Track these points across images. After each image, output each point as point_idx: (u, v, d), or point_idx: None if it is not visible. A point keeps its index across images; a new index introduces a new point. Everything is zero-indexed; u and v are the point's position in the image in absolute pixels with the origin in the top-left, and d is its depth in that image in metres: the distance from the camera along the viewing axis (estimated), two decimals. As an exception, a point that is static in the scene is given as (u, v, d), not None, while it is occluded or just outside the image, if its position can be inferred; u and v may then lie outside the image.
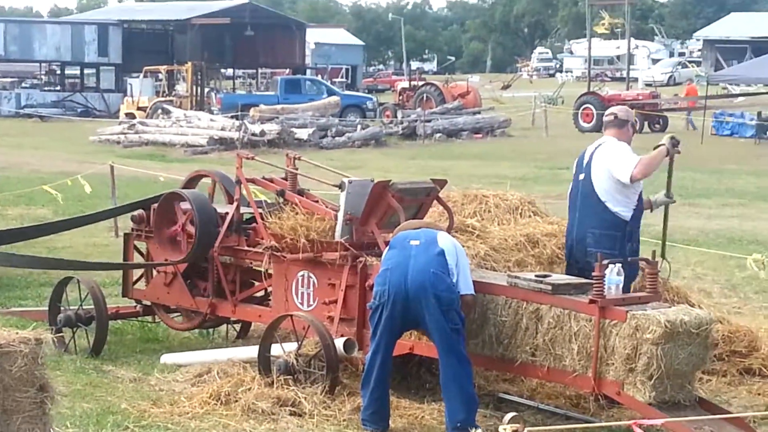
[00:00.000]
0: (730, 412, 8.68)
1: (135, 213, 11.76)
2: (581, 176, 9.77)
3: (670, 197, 10.31)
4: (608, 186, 9.58)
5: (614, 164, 9.54)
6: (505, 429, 4.69)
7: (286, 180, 10.83)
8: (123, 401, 9.38)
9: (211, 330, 12.00)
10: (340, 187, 9.99)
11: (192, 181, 11.89)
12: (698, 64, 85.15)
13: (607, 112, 10.22)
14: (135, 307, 11.92)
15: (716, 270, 15.59)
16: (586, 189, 9.72)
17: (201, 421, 8.86)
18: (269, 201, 11.04)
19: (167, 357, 10.84)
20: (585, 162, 9.76)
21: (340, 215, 9.92)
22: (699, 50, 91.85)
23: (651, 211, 10.23)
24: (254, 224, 10.74)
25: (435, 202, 10.31)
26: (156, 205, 11.35)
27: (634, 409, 8.39)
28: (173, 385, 9.97)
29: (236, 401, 9.15)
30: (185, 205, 11.08)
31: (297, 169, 10.85)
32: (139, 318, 12.02)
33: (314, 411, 8.97)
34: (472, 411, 8.57)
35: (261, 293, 11.07)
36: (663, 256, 10.17)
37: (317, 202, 10.54)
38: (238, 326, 11.93)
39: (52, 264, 13.15)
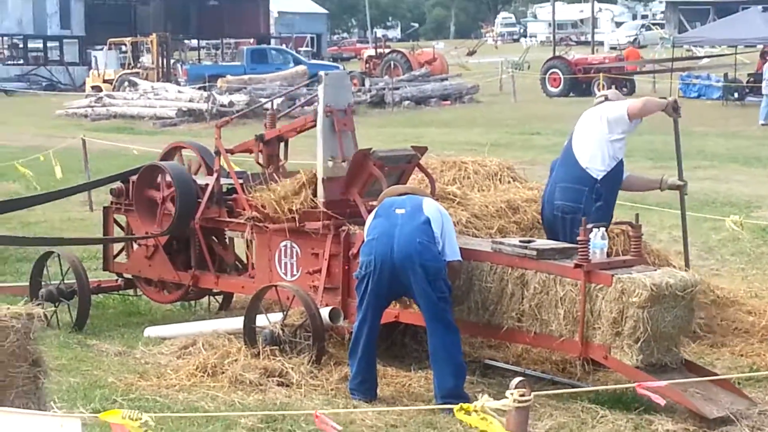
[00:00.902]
0: (716, 374, 8.74)
1: (114, 186, 11.72)
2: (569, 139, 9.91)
3: (683, 182, 10.37)
4: (585, 142, 9.71)
5: (610, 108, 9.70)
6: (512, 393, 4.71)
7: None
8: (109, 375, 9.35)
9: (193, 302, 11.98)
10: (318, 80, 10.10)
11: (170, 153, 11.86)
12: (662, 26, 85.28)
13: (598, 95, 10.36)
14: (116, 280, 11.90)
15: (692, 233, 15.56)
16: (567, 147, 9.87)
17: (189, 393, 8.84)
18: (250, 172, 11.02)
19: (151, 330, 10.82)
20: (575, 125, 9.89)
21: (320, 108, 10.02)
22: (662, 12, 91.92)
23: (661, 190, 10.33)
24: (235, 195, 10.73)
25: (416, 169, 10.33)
26: (135, 177, 11.31)
27: (621, 372, 8.45)
28: (159, 357, 9.95)
29: (223, 373, 9.15)
30: (165, 178, 11.04)
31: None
32: (121, 291, 11.99)
33: (302, 381, 8.97)
34: (460, 379, 8.60)
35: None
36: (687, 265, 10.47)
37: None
38: (220, 298, 11.91)
39: (37, 242, 13.06)
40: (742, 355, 9.92)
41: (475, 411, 4.65)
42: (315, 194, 9.96)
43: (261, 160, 10.76)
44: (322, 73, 10.23)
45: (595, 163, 9.64)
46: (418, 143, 10.64)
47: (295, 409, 8.48)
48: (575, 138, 9.80)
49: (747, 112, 36.51)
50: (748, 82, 41.24)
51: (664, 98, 9.96)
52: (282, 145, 10.91)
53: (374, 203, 9.23)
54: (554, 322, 8.62)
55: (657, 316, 8.22)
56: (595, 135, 9.65)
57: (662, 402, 6.34)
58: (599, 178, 9.63)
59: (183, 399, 8.73)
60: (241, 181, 10.61)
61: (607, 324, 8.32)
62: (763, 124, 32.85)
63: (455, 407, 4.85)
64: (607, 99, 10.05)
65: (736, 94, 40.55)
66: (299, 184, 10.08)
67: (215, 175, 10.80)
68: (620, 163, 9.78)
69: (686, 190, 10.52)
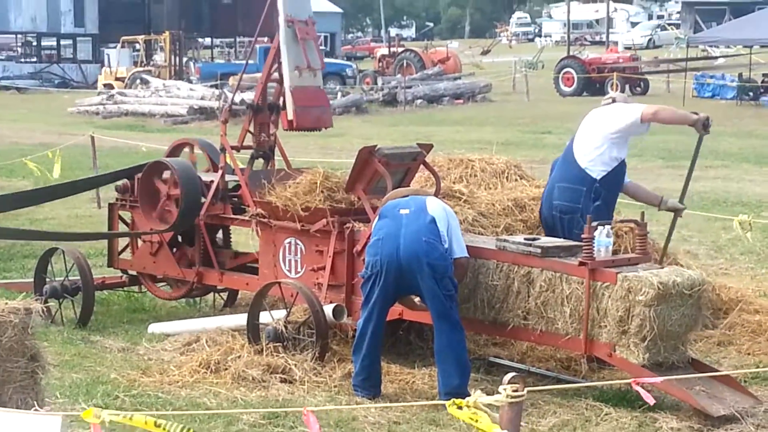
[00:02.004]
0: (720, 371, 8.66)
1: (119, 183, 11.67)
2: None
3: (682, 204, 10.23)
4: (587, 142, 9.56)
5: (621, 110, 9.54)
6: (505, 389, 4.66)
7: None
8: (112, 371, 9.31)
9: (197, 299, 11.93)
10: None
11: (176, 150, 11.82)
12: (677, 26, 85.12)
13: (605, 97, 10.23)
14: (121, 277, 11.85)
15: (702, 232, 15.58)
16: (568, 147, 9.77)
17: (191, 389, 8.80)
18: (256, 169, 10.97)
19: (155, 326, 10.76)
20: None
21: (281, 19, 10.23)
22: (678, 12, 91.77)
23: (659, 209, 10.16)
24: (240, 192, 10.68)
25: (421, 167, 10.25)
26: (140, 174, 11.26)
27: (626, 370, 8.36)
28: (162, 354, 9.90)
29: (226, 369, 9.09)
30: (170, 174, 10.98)
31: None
32: (126, 288, 11.95)
33: (305, 378, 8.92)
34: (465, 377, 8.53)
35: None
36: (661, 261, 10.07)
37: None
38: (225, 295, 11.86)
39: (39, 235, 13.04)
40: (748, 354, 9.84)
41: (467, 406, 4.60)
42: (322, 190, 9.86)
43: (251, 128, 10.78)
44: None
45: (595, 163, 9.49)
46: (430, 142, 10.56)
47: (298, 405, 8.41)
48: (577, 137, 9.69)
49: (761, 112, 36.42)
50: (763, 82, 41.15)
51: (696, 113, 9.79)
52: (272, 114, 10.86)
53: (378, 202, 9.17)
54: (560, 320, 8.55)
55: (664, 315, 8.15)
56: (599, 134, 9.51)
57: (652, 401, 6.26)
58: (599, 178, 9.49)
59: (185, 395, 8.69)
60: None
61: (614, 322, 8.26)
62: None
63: (447, 402, 4.80)
64: (614, 101, 9.94)
65: (750, 94, 40.42)
66: (312, 183, 9.97)
67: (220, 171, 10.76)
68: (622, 164, 9.66)
69: (681, 214, 10.32)
